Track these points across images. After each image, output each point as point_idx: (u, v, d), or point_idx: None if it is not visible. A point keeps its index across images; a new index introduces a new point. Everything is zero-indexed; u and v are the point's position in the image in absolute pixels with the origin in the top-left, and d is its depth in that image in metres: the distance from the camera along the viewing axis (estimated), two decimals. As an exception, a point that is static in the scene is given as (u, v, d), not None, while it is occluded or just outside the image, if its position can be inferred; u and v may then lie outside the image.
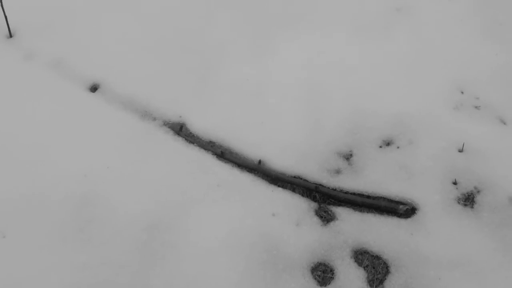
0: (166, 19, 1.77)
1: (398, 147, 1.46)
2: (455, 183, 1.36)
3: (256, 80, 1.62)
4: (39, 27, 1.75)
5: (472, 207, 1.32)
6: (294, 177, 1.42)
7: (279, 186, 1.41)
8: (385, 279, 1.21)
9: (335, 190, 1.39)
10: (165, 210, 1.33)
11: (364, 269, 1.23)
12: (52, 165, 1.42)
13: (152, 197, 1.36)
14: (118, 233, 1.28)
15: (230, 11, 1.79)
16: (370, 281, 1.21)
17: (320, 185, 1.40)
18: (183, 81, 1.62)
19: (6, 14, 1.74)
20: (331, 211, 1.34)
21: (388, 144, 1.47)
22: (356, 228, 1.30)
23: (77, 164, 1.42)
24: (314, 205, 1.36)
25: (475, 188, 1.35)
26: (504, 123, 1.49)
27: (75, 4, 1.81)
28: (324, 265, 1.24)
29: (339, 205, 1.36)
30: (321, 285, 1.21)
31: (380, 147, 1.47)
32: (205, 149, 1.49)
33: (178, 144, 1.49)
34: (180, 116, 1.56)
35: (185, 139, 1.51)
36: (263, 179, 1.42)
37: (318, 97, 1.57)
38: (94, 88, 1.63)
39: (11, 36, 1.76)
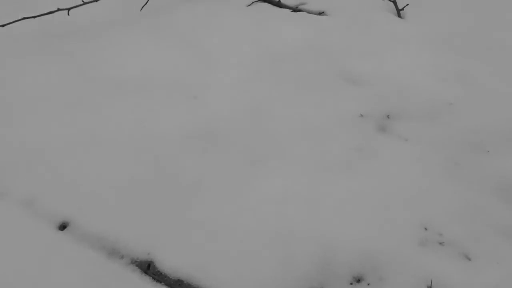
0: (139, 159, 1.83)
1: (368, 284, 1.45)
2: (427, 322, 1.34)
3: (227, 218, 1.64)
4: (13, 167, 1.79)
5: None
6: (264, 318, 1.38)
7: (248, 328, 1.36)
8: None
9: (306, 331, 1.35)
10: None
11: None
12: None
13: None
14: None
15: (201, 148, 1.88)
16: None
17: (291, 326, 1.36)
18: (153, 218, 1.64)
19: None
20: None
21: (358, 280, 1.47)
22: None
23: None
24: None
25: (447, 327, 1.33)
26: (469, 259, 1.52)
27: (49, 145, 1.87)
28: None
29: None
30: None
31: (351, 284, 1.46)
32: (172, 288, 1.45)
33: (145, 284, 1.45)
34: (149, 254, 1.54)
35: (152, 277, 1.48)
36: (232, 320, 1.37)
37: (288, 234, 1.59)
38: (62, 226, 1.62)
39: (-15, 176, 1.79)
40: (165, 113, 2.04)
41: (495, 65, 2.40)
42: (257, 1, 2.90)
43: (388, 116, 2.06)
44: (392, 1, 2.86)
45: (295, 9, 2.87)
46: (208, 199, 1.70)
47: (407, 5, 2.86)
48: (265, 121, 2.02)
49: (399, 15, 2.83)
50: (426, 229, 1.62)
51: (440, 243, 1.57)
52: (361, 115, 2.06)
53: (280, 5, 2.87)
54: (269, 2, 2.90)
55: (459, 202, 1.70)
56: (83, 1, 2.52)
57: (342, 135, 1.96)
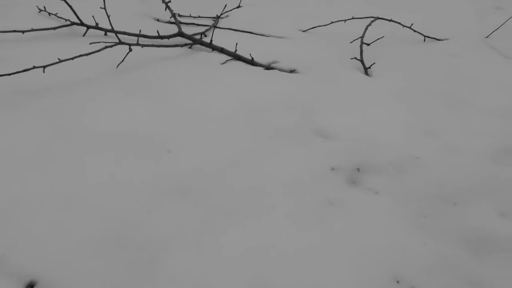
0: (110, 215, 1.82)
1: None
2: None
3: (200, 274, 1.62)
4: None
5: None
6: None
7: None
8: None
9: None
10: None
11: None
12: None
13: None
14: None
15: (174, 202, 1.88)
16: None
17: None
18: (124, 276, 1.60)
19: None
20: None
21: (333, 337, 1.46)
22: None
23: None
24: None
25: None
26: (441, 311, 1.54)
27: (19, 202, 1.85)
28: None
29: None
30: None
31: None
32: None
33: None
34: (119, 314, 1.50)
35: (122, 338, 1.44)
36: None
37: (261, 289, 1.59)
38: (30, 286, 1.57)
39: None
40: (138, 168, 2.04)
41: (460, 122, 2.51)
42: (231, 59, 3.00)
43: (358, 169, 2.12)
44: (360, 60, 3.00)
45: (268, 67, 2.97)
46: (181, 255, 1.68)
47: (374, 63, 3.00)
48: (239, 175, 2.04)
49: (366, 73, 2.96)
50: (398, 282, 1.63)
51: (413, 296, 1.58)
52: (332, 168, 2.11)
53: (253, 63, 2.98)
54: (243, 61, 3.00)
55: (429, 254, 1.73)
56: (59, 59, 2.56)
57: (314, 188, 2.00)
